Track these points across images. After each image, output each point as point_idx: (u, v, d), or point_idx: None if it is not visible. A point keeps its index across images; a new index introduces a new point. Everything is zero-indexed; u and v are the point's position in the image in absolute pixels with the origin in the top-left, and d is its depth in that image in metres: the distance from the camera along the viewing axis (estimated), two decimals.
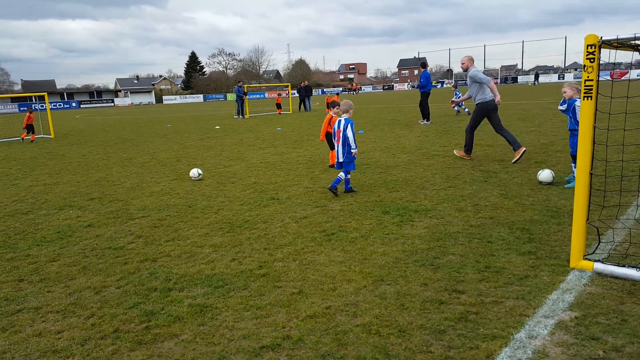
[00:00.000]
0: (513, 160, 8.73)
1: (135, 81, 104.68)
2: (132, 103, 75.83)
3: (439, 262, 4.23)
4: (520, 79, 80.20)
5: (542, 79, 71.22)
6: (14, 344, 3.28)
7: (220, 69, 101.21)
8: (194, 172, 8.82)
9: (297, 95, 31.53)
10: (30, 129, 18.49)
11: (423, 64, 17.96)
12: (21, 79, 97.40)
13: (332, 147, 9.11)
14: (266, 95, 75.01)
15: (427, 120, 17.02)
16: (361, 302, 3.54)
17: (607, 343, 2.82)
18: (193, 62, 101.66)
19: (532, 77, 74.40)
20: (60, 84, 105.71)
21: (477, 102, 9.23)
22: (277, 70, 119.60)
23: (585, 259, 3.93)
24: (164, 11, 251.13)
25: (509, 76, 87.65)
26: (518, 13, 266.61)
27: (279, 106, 29.84)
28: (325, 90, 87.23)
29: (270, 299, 3.70)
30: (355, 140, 6.87)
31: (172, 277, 4.26)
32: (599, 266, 3.83)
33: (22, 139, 18.60)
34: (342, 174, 6.95)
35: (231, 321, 3.38)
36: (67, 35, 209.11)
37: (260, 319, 3.39)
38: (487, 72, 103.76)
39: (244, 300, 3.70)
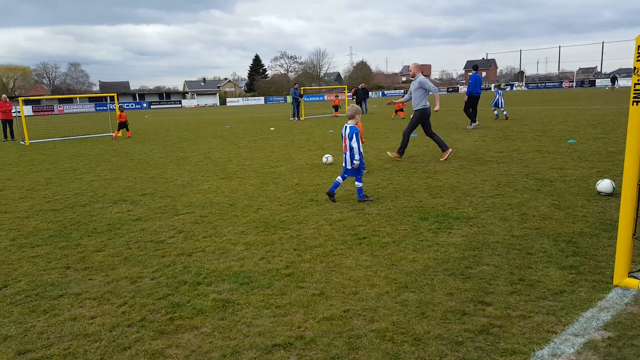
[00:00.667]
0: (441, 159, 10.04)
1: (202, 83, 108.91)
2: (197, 104, 78.90)
3: (470, 272, 4.08)
4: (598, 82, 75.47)
5: (623, 82, 66.40)
6: (51, 326, 3.51)
7: (282, 71, 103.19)
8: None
9: (353, 97, 31.46)
10: (122, 126, 19.92)
11: (474, 66, 17.49)
12: (99, 80, 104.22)
13: None
14: (325, 97, 75.55)
15: (473, 123, 16.72)
16: (380, 308, 3.48)
17: None
18: (256, 65, 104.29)
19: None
20: (134, 85, 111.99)
21: (417, 108, 10.13)
22: (338, 73, 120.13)
23: (631, 276, 3.64)
24: (231, 15, 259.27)
25: (586, 79, 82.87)
26: (600, 13, 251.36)
27: (336, 108, 29.98)
28: (385, 92, 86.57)
29: (291, 298, 3.72)
30: (360, 152, 6.60)
31: (202, 271, 4.39)
32: None
33: (115, 137, 19.93)
34: (339, 178, 6.82)
35: (250, 317, 3.44)
36: (141, 39, 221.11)
37: (277, 318, 3.41)
38: (562, 74, 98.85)
39: (266, 298, 3.75)
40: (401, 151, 10.37)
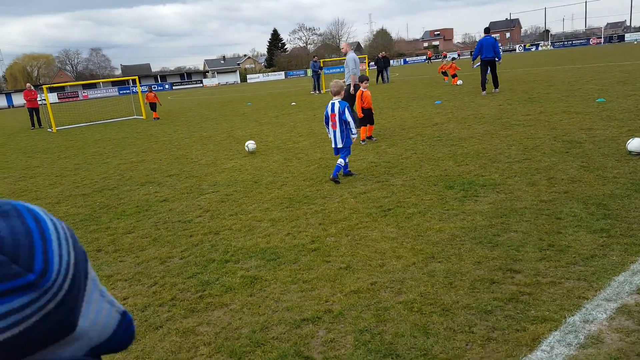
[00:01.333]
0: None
1: (222, 62, 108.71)
2: (219, 83, 79.02)
3: (497, 240, 4.02)
4: (627, 36, 72.15)
5: None
6: None
7: (301, 44, 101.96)
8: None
9: (375, 67, 30.91)
10: (152, 107, 20.23)
11: (486, 29, 16.15)
12: (120, 64, 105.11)
13: (363, 123, 9.29)
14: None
15: (484, 91, 15.70)
16: (408, 280, 3.47)
17: None
18: (275, 40, 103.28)
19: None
20: (155, 67, 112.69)
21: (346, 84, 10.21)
22: (358, 42, 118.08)
23: None
24: None
25: (614, 34, 79.30)
26: None
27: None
28: (407, 59, 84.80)
29: (318, 273, 3.74)
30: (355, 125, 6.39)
31: (230, 249, 4.45)
32: None
33: (154, 118, 20.14)
34: (341, 160, 6.45)
35: (278, 293, 3.48)
36: (159, 20, 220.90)
37: (305, 292, 3.45)
38: (589, 30, 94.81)
39: (293, 273, 3.78)
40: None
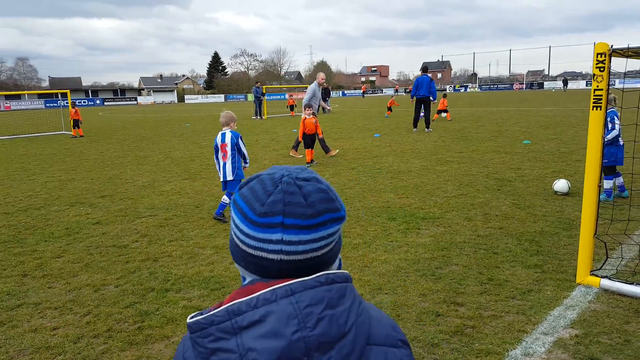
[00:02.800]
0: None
1: (159, 80, 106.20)
2: (154, 102, 76.91)
3: (440, 273, 4.15)
4: (546, 84, 78.59)
5: (570, 85, 69.53)
6: (9, 339, 3.32)
7: (242, 69, 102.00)
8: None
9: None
10: (76, 124, 19.13)
11: (424, 67, 16.44)
12: (49, 76, 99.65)
13: (306, 146, 10.23)
14: (286, 96, 75.31)
15: (414, 128, 16.12)
16: None
17: None
18: (215, 62, 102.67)
19: (559, 83, 73.02)
20: (86, 82, 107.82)
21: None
22: (299, 72, 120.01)
23: (592, 274, 3.80)
24: (186, 11, 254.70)
25: (535, 82, 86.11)
26: (545, 17, 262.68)
27: (292, 108, 29.64)
28: (345, 92, 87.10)
29: None
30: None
31: (170, 277, 4.26)
32: (605, 282, 3.70)
33: (74, 135, 19.02)
34: (226, 197, 6.05)
35: None
36: (92, 33, 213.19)
37: None
38: (512, 76, 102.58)
39: None
40: (296, 147, 11.45)
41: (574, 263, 4.16)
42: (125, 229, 5.87)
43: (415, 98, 15.97)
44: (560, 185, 6.83)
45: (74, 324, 3.49)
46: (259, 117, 27.11)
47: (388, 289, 3.84)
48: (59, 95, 36.59)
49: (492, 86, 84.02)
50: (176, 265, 4.56)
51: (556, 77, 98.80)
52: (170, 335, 3.26)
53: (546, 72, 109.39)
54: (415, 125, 16.22)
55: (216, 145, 6.10)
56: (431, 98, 15.62)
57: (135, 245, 5.24)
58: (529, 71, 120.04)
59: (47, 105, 59.73)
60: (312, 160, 10.16)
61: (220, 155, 6.06)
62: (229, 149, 5.99)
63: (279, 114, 29.60)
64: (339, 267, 0.93)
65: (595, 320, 3.23)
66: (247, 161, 6.20)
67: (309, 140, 10.15)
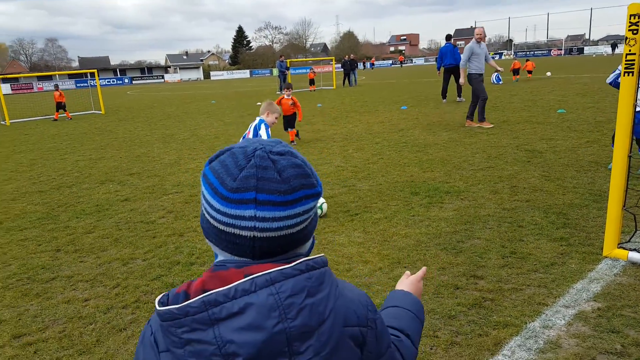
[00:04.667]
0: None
1: (185, 57, 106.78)
2: (181, 79, 77.54)
3: (462, 246, 4.12)
4: (587, 49, 74.96)
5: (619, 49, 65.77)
6: (44, 309, 3.49)
7: (267, 43, 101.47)
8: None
9: (342, 69, 30.83)
10: (60, 106, 19.01)
11: (447, 36, 16.24)
12: (78, 56, 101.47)
13: (285, 128, 10.14)
14: (310, 69, 74.53)
15: (444, 99, 15.98)
16: (374, 284, 3.51)
17: (628, 337, 2.67)
18: (240, 37, 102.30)
19: (600, 48, 69.60)
20: (114, 60, 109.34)
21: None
22: (325, 44, 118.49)
23: (620, 247, 3.70)
24: None
25: (574, 47, 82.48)
26: None
27: (312, 82, 28.84)
28: (373, 64, 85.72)
29: None
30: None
31: (195, 251, 4.37)
32: (633, 255, 3.61)
33: (57, 118, 19.12)
34: None
35: None
36: (118, 11, 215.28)
37: None
38: (550, 42, 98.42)
39: None
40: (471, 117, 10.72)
41: (601, 236, 4.05)
42: (153, 205, 6.02)
43: (442, 69, 15.76)
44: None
45: (104, 295, 3.64)
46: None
47: (407, 262, 3.85)
48: (89, 75, 37.29)
49: (528, 52, 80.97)
50: (201, 240, 4.67)
51: (597, 41, 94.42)
52: None
53: (587, 37, 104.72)
54: (444, 96, 16.03)
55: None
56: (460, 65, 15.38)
57: (162, 221, 5.38)
58: (568, 36, 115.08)
59: (78, 85, 61.02)
60: (292, 141, 10.05)
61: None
62: (251, 133, 6.10)
63: (304, 88, 29.44)
64: (312, 247, 0.91)
65: (620, 294, 3.17)
66: None
67: (288, 120, 10.06)
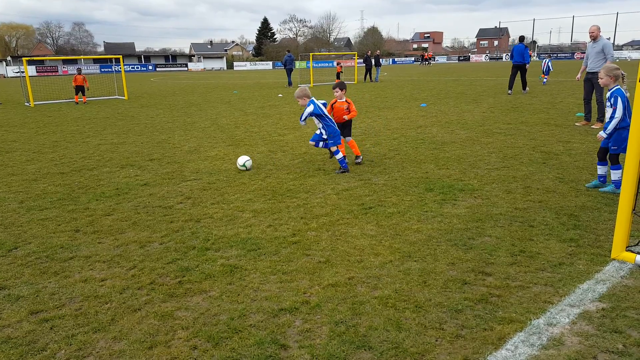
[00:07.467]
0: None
1: (209, 46, 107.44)
2: (204, 68, 78.12)
3: (472, 243, 4.17)
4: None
5: (636, 54, 64.38)
6: (62, 287, 3.64)
7: (291, 35, 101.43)
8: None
9: (363, 64, 30.67)
10: (80, 90, 19.51)
11: (520, 37, 18.10)
12: (104, 41, 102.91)
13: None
14: (334, 63, 74.40)
15: (509, 90, 17.64)
16: (384, 276, 3.58)
17: (630, 337, 2.70)
18: (265, 29, 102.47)
19: (624, 53, 68.05)
20: (139, 47, 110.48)
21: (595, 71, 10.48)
22: (348, 38, 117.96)
23: (628, 250, 3.71)
24: None
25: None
26: None
27: (338, 76, 29.06)
28: (396, 60, 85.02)
29: (297, 265, 3.83)
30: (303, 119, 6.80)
31: (210, 237, 4.50)
32: None
33: (77, 102, 19.58)
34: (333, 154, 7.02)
35: (257, 283, 3.55)
36: None
37: (284, 283, 3.53)
38: (574, 45, 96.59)
39: (273, 264, 3.86)
40: (588, 117, 10.69)
41: (611, 239, 4.06)
42: (171, 190, 6.18)
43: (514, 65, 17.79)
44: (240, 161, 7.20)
45: (120, 276, 3.79)
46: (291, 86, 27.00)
47: (417, 256, 3.91)
48: (113, 61, 37.85)
49: (552, 55, 79.51)
50: (216, 226, 4.79)
51: (622, 46, 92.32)
52: (208, 289, 3.49)
53: (612, 41, 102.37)
54: (510, 87, 17.60)
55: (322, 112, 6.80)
56: (526, 63, 17.15)
57: (179, 206, 5.52)
58: None
59: (102, 70, 61.91)
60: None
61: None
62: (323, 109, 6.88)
63: (326, 81, 29.43)
64: None
65: (625, 295, 3.19)
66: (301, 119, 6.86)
67: (342, 128, 7.29)
